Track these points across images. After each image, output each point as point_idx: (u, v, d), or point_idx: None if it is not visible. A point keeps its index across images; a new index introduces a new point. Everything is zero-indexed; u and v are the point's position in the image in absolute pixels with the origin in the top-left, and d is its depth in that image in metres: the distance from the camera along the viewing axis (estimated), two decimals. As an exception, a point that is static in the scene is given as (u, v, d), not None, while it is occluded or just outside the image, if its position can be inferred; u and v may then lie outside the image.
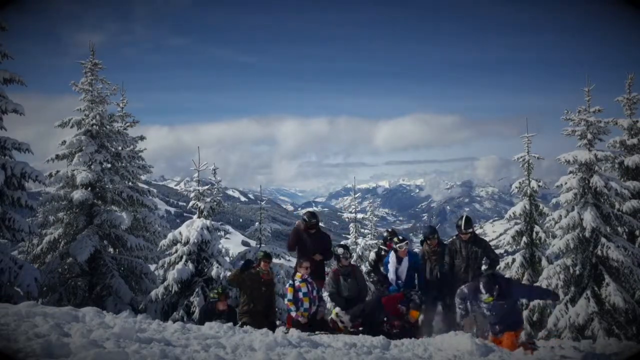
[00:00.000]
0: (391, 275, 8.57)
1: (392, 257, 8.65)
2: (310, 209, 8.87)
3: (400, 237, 8.80)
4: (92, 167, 14.03)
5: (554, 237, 13.46)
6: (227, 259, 16.28)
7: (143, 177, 16.95)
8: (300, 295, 7.79)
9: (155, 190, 16.99)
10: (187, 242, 13.10)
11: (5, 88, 12.39)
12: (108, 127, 14.93)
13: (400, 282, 8.53)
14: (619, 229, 13.22)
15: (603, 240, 12.14)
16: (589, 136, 12.75)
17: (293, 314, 7.72)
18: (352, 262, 9.11)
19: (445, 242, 9.09)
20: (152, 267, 15.26)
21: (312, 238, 8.72)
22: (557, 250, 12.68)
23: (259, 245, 16.36)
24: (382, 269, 9.01)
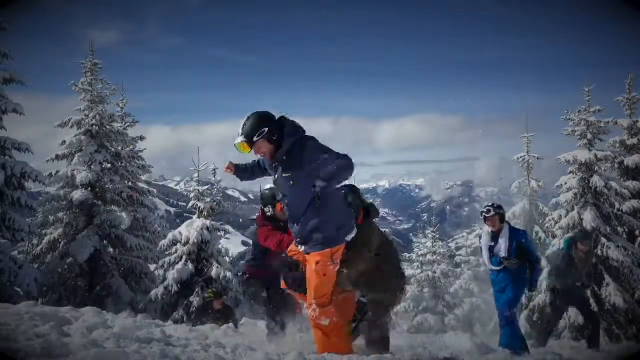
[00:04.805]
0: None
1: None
2: None
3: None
4: (92, 167, 14.03)
5: (554, 237, 13.45)
6: (227, 259, 16.29)
7: (143, 177, 16.95)
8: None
9: (155, 191, 17.00)
10: (187, 242, 13.11)
11: (6, 88, 12.42)
12: (108, 127, 14.94)
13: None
14: (619, 229, 13.22)
15: (603, 240, 12.14)
16: (589, 136, 12.76)
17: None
18: None
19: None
20: (152, 267, 15.25)
21: None
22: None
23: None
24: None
